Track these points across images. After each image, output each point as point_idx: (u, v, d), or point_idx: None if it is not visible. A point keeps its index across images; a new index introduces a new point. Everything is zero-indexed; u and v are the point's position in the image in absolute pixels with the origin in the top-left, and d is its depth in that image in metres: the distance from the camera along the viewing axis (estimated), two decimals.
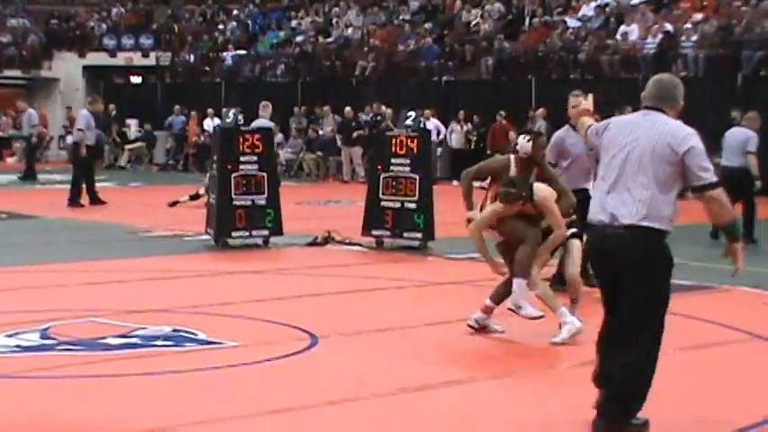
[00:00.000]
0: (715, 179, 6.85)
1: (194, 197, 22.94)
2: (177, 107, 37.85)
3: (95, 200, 23.50)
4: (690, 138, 6.87)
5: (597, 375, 7.15)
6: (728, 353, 9.76)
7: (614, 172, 6.93)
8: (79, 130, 23.65)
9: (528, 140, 10.12)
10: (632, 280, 6.85)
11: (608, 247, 6.92)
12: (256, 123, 19.17)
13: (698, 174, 6.80)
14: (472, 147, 31.84)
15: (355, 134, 32.21)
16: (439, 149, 31.29)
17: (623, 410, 6.95)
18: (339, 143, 32.90)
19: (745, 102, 25.77)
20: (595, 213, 7.01)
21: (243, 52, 41.01)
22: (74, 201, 23.15)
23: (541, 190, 9.88)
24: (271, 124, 21.24)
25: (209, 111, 35.23)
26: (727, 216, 6.92)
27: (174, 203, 23.01)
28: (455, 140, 32.05)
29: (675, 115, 7.05)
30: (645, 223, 6.80)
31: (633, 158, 6.88)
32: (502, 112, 30.75)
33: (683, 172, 6.83)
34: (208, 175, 22.68)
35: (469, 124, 32.20)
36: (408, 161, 16.40)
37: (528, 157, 10.08)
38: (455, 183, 30.33)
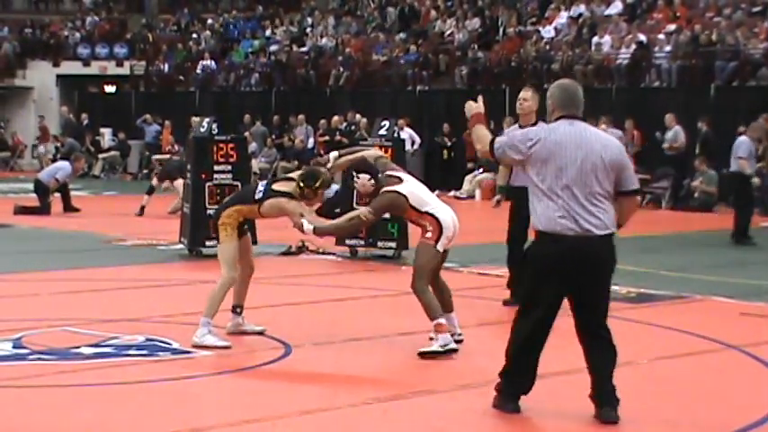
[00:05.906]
0: None
1: (150, 191, 23.06)
2: (148, 116, 37.67)
3: None
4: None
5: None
6: (701, 363, 9.78)
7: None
8: None
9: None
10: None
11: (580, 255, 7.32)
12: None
13: None
14: (444, 157, 31.89)
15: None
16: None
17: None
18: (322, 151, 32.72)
19: (718, 112, 25.96)
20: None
21: (211, 64, 40.73)
22: None
23: None
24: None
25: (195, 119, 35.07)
26: None
27: (141, 212, 22.89)
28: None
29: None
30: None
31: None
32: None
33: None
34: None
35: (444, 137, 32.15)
36: None
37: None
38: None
